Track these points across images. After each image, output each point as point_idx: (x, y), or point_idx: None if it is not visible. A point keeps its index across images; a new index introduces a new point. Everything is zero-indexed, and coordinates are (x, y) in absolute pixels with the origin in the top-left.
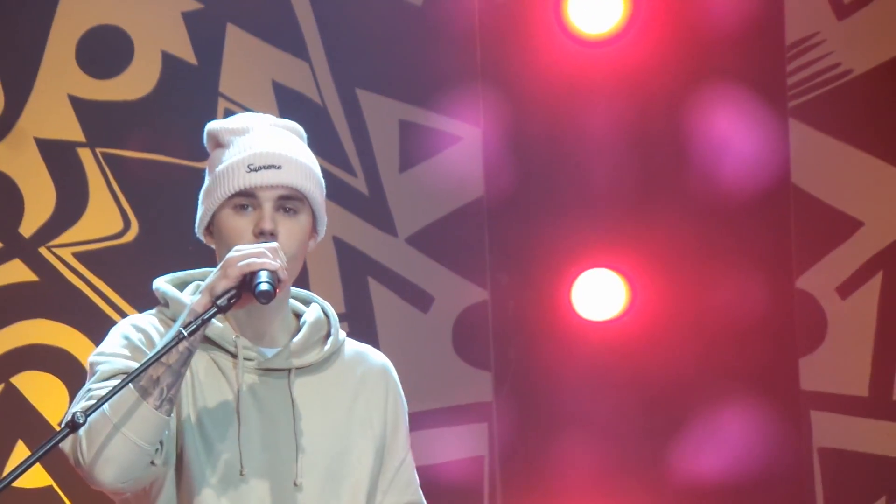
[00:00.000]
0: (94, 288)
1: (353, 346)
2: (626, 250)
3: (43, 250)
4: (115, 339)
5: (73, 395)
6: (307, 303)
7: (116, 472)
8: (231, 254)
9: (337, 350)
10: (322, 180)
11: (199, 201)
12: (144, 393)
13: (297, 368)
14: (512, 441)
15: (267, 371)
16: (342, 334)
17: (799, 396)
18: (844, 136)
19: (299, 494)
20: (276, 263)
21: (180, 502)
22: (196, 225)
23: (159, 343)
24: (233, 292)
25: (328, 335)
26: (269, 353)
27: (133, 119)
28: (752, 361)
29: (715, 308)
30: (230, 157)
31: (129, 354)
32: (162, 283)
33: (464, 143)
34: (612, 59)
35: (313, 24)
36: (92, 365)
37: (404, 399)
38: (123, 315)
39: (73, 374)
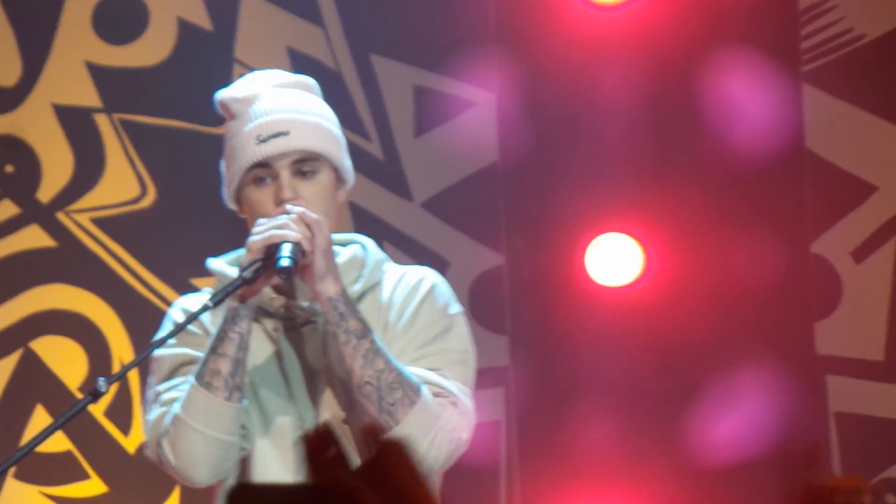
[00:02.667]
0: (112, 253)
1: (397, 272)
2: (641, 215)
3: (60, 215)
4: (168, 328)
5: (91, 359)
6: (347, 244)
7: (208, 470)
8: (254, 229)
9: (375, 283)
10: (337, 131)
11: (222, 173)
12: (210, 387)
13: None
14: (528, 405)
15: (308, 322)
16: (383, 266)
17: (815, 361)
18: (858, 100)
19: (347, 427)
20: (295, 235)
21: (240, 464)
22: (224, 197)
23: (210, 337)
24: (258, 264)
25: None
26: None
27: (149, 85)
28: (767, 326)
29: (730, 273)
30: (238, 129)
31: (182, 341)
32: (211, 260)
33: (478, 108)
34: (627, 23)
35: None
36: (152, 359)
37: (441, 294)
38: (140, 279)
39: (91, 338)
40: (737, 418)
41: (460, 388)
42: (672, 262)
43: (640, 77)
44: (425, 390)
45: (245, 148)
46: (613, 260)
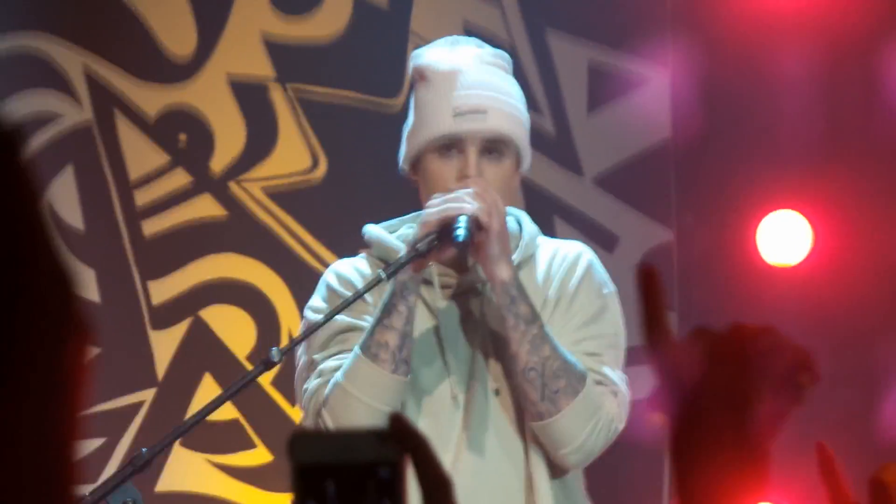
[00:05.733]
0: (282, 223)
1: (550, 246)
2: (813, 192)
3: (232, 185)
4: (322, 293)
5: (260, 329)
6: None
7: None
8: (428, 203)
9: (530, 256)
10: (526, 116)
11: (404, 137)
12: (376, 359)
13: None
14: None
15: (464, 292)
16: (537, 240)
17: None
18: None
19: (499, 399)
20: (471, 207)
21: None
22: (400, 160)
23: (378, 308)
24: (433, 237)
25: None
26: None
27: (324, 58)
28: None
29: None
30: (435, 98)
31: (337, 307)
32: (369, 226)
33: (652, 85)
34: (804, 1)
35: None
36: (307, 325)
37: (598, 272)
38: (310, 251)
39: (260, 308)
40: None
41: (619, 377)
42: (843, 240)
43: (817, 54)
44: (590, 379)
45: (439, 118)
46: (784, 238)
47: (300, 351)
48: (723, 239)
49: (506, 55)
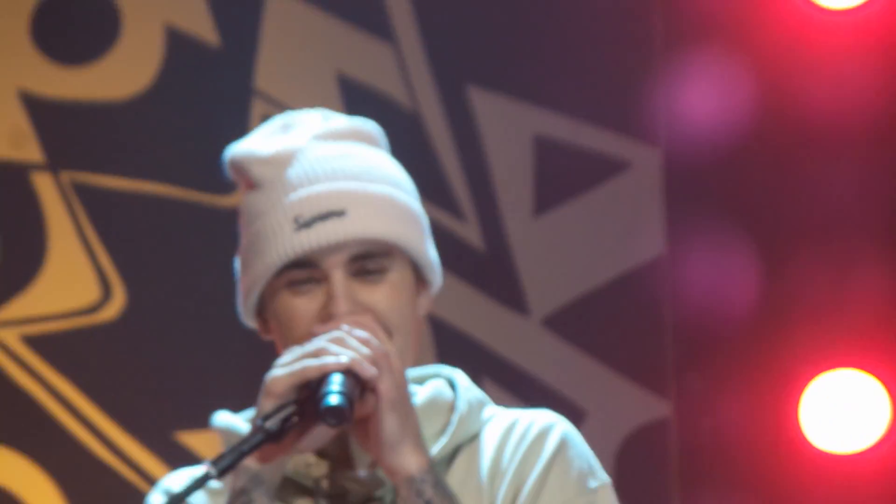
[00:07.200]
0: (54, 390)
1: (505, 419)
2: (886, 346)
3: None
4: None
5: None
6: (424, 381)
7: None
8: (278, 361)
9: (471, 439)
10: (416, 206)
11: (237, 273)
12: None
13: None
14: None
15: (364, 502)
16: (483, 412)
17: None
18: None
19: None
20: (345, 359)
21: None
22: (239, 309)
23: None
24: (288, 409)
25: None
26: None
27: (119, 129)
28: None
29: None
30: (268, 207)
31: None
32: (220, 414)
33: (634, 171)
34: (859, 32)
35: None
36: None
37: (576, 455)
38: (98, 434)
39: None
40: None
41: None
42: None
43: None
44: None
45: (277, 235)
46: (843, 411)
47: None
48: (748, 413)
49: (372, 125)
